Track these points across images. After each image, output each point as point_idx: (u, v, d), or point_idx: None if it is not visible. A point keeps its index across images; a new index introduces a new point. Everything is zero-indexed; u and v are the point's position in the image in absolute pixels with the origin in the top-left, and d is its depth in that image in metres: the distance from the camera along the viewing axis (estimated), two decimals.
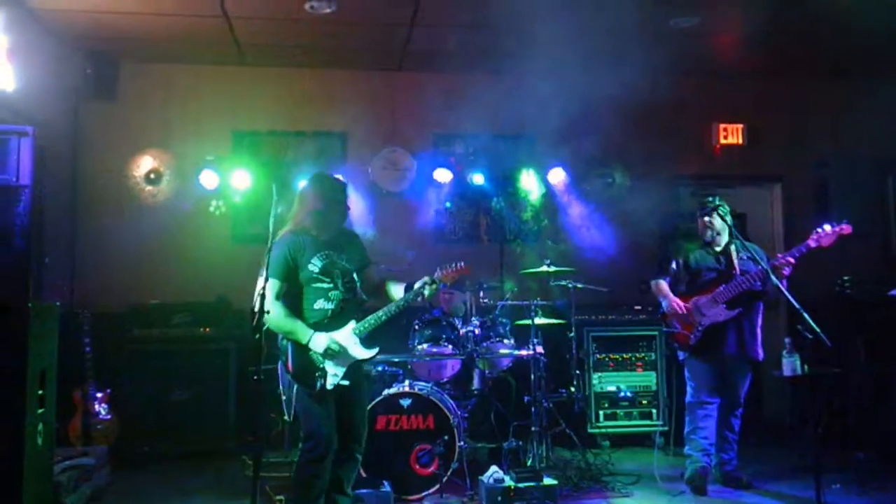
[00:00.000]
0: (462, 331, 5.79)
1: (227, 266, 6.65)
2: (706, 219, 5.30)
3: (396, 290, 4.19)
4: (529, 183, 7.41)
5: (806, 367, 5.03)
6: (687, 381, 5.35)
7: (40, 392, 3.86)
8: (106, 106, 7.10)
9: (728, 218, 5.24)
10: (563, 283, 6.11)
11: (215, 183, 6.90)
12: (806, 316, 4.28)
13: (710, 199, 5.37)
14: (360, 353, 4.01)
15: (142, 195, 7.05)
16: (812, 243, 4.86)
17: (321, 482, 3.90)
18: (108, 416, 6.01)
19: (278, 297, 3.90)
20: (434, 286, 4.10)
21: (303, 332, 3.88)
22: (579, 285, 6.13)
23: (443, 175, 7.28)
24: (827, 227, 4.84)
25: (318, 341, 3.88)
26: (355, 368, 4.00)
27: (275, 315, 3.83)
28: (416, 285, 4.11)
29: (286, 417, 3.93)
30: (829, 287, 6.47)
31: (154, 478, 5.69)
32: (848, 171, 7.73)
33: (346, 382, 3.92)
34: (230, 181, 6.90)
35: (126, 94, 7.17)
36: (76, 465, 4.84)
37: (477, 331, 5.80)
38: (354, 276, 4.08)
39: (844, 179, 7.70)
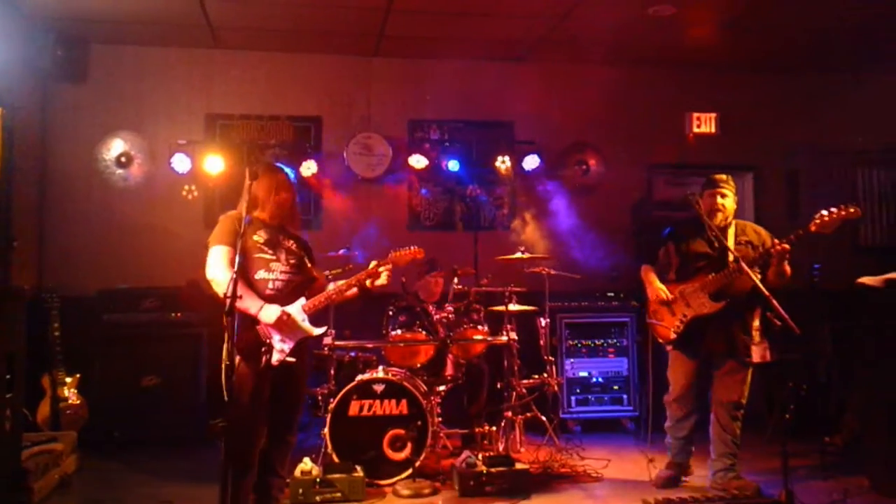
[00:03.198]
0: (436, 317, 5.80)
1: (199, 250, 6.50)
2: (718, 200, 4.81)
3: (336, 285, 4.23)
4: (505, 170, 7.41)
5: (775, 353, 5.09)
6: (670, 373, 5.02)
7: (8, 376, 3.81)
8: (76, 88, 7.00)
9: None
10: (537, 269, 6.14)
11: (187, 167, 6.83)
12: (775, 303, 4.31)
13: (723, 176, 4.91)
14: (309, 329, 3.98)
15: (112, 178, 6.94)
16: (813, 228, 4.43)
17: (247, 470, 3.82)
18: (77, 401, 5.96)
19: (230, 263, 3.78)
20: (388, 266, 4.16)
21: (253, 303, 3.81)
22: (553, 272, 6.16)
23: (418, 161, 7.27)
24: (833, 210, 4.36)
25: (269, 311, 3.82)
26: (301, 346, 3.96)
27: (225, 281, 3.70)
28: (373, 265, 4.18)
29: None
30: (798, 274, 6.54)
31: (124, 463, 5.63)
32: (819, 162, 7.82)
33: (292, 359, 3.88)
34: (203, 165, 6.83)
35: (97, 76, 7.07)
36: (44, 451, 4.80)
37: (451, 317, 5.82)
38: (305, 260, 4.08)
39: (815, 169, 7.80)
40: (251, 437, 3.82)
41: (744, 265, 4.46)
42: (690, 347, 4.87)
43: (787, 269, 4.65)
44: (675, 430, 5.02)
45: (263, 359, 3.79)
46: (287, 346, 3.88)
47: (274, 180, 4.06)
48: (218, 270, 3.87)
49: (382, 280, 4.16)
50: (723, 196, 4.86)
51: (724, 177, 4.95)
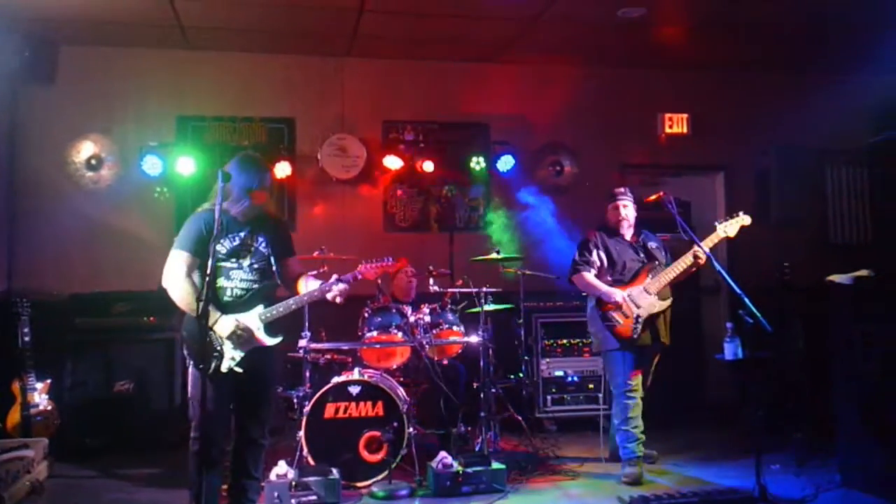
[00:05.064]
0: (412, 318, 5.79)
1: None
2: (622, 211, 5.35)
3: (309, 285, 4.05)
4: (479, 171, 7.42)
5: (747, 351, 5.16)
6: (614, 372, 5.21)
7: None
8: (45, 90, 6.92)
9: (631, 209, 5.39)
10: (512, 270, 6.15)
11: (159, 169, 6.77)
12: (747, 301, 4.37)
13: (621, 189, 5.46)
14: (262, 338, 3.90)
15: (82, 181, 6.86)
16: (721, 233, 5.04)
17: (212, 471, 3.81)
18: (49, 407, 5.87)
19: (189, 273, 3.81)
20: (346, 285, 3.97)
21: (210, 312, 3.73)
22: (527, 272, 6.18)
23: (392, 162, 7.26)
24: (731, 220, 5.06)
25: (224, 324, 3.78)
26: (255, 355, 3.89)
27: (183, 292, 3.76)
28: (333, 279, 4.01)
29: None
30: (769, 273, 6.62)
31: (96, 469, 5.57)
32: (788, 161, 7.92)
33: (239, 370, 3.82)
34: (174, 167, 6.77)
35: (66, 77, 6.99)
36: (15, 458, 4.72)
37: (426, 318, 5.81)
38: (272, 261, 3.99)
39: (785, 169, 7.89)
40: (212, 437, 3.79)
41: (715, 263, 4.75)
42: (646, 344, 5.19)
43: None
44: (634, 423, 5.14)
45: (213, 364, 3.77)
46: (238, 354, 3.83)
47: (260, 177, 3.93)
48: (172, 278, 3.84)
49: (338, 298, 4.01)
50: (625, 206, 5.37)
51: (622, 189, 5.47)
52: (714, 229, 5.09)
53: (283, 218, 4.21)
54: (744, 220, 5.06)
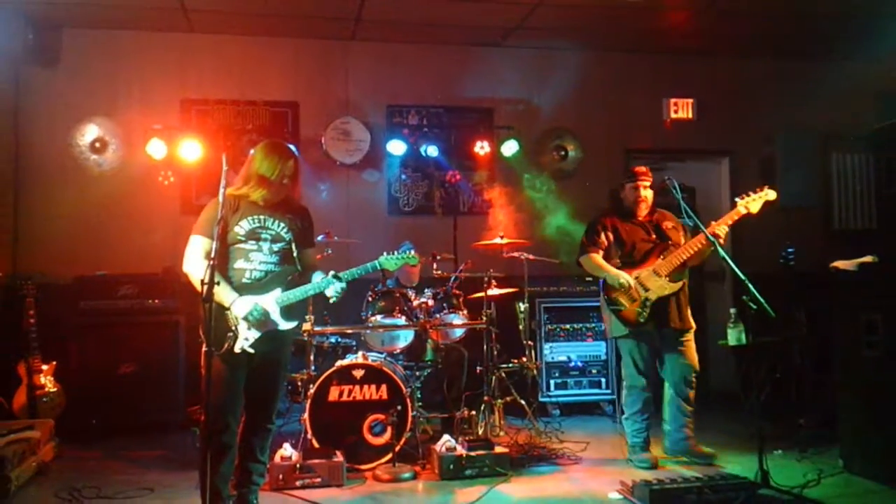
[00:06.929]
0: (415, 302, 5.80)
1: (176, 237, 6.51)
2: (642, 192, 5.15)
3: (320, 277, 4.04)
4: (483, 155, 7.40)
5: (750, 336, 5.16)
6: (625, 361, 5.15)
7: None
8: (48, 73, 6.91)
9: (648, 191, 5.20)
10: (516, 254, 6.16)
11: (163, 152, 6.76)
12: (750, 287, 4.36)
13: (642, 168, 5.23)
14: (278, 322, 3.88)
15: (87, 164, 6.86)
16: (742, 210, 4.84)
17: (222, 455, 3.78)
18: (54, 389, 5.91)
19: (205, 257, 3.79)
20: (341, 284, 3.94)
21: (226, 295, 3.75)
22: (531, 257, 6.18)
23: (397, 146, 7.25)
24: (752, 194, 4.87)
25: (241, 305, 3.77)
26: (270, 338, 3.88)
27: (198, 276, 3.70)
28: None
29: None
30: (773, 258, 6.62)
31: (102, 451, 5.60)
32: (793, 147, 7.88)
33: (251, 351, 3.80)
34: (179, 150, 6.77)
35: (69, 60, 6.98)
36: (21, 439, 4.76)
37: (430, 302, 5.82)
38: (292, 246, 3.97)
39: (790, 154, 7.85)
40: (224, 419, 3.78)
41: (719, 248, 4.70)
42: (650, 329, 5.06)
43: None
44: (645, 410, 5.13)
45: (226, 344, 3.77)
46: (252, 335, 3.82)
47: (283, 164, 3.91)
48: (193, 264, 3.84)
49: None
50: (644, 188, 5.18)
51: (643, 168, 5.25)
52: (734, 205, 4.91)
53: (306, 208, 4.16)
54: (768, 194, 4.87)
